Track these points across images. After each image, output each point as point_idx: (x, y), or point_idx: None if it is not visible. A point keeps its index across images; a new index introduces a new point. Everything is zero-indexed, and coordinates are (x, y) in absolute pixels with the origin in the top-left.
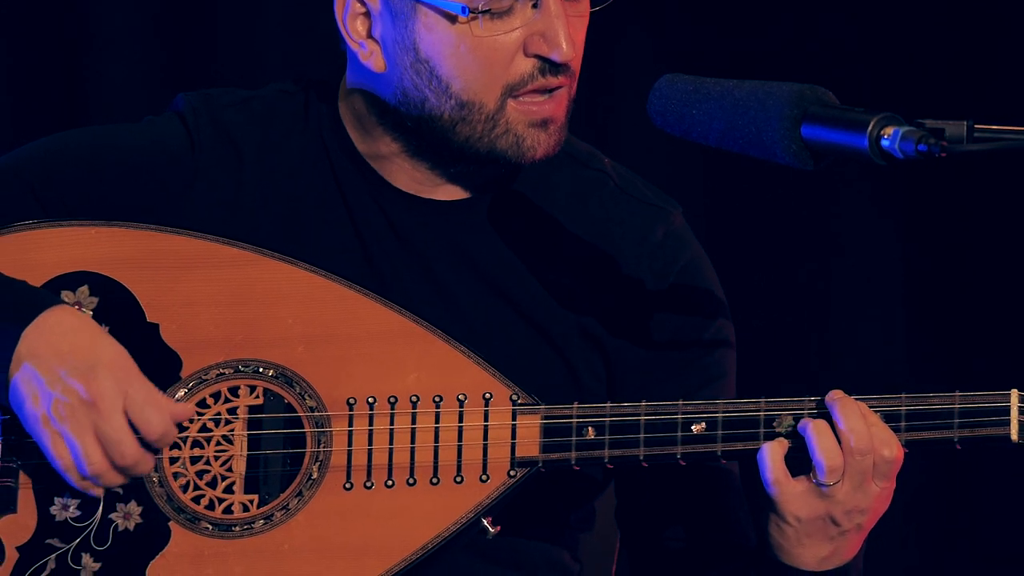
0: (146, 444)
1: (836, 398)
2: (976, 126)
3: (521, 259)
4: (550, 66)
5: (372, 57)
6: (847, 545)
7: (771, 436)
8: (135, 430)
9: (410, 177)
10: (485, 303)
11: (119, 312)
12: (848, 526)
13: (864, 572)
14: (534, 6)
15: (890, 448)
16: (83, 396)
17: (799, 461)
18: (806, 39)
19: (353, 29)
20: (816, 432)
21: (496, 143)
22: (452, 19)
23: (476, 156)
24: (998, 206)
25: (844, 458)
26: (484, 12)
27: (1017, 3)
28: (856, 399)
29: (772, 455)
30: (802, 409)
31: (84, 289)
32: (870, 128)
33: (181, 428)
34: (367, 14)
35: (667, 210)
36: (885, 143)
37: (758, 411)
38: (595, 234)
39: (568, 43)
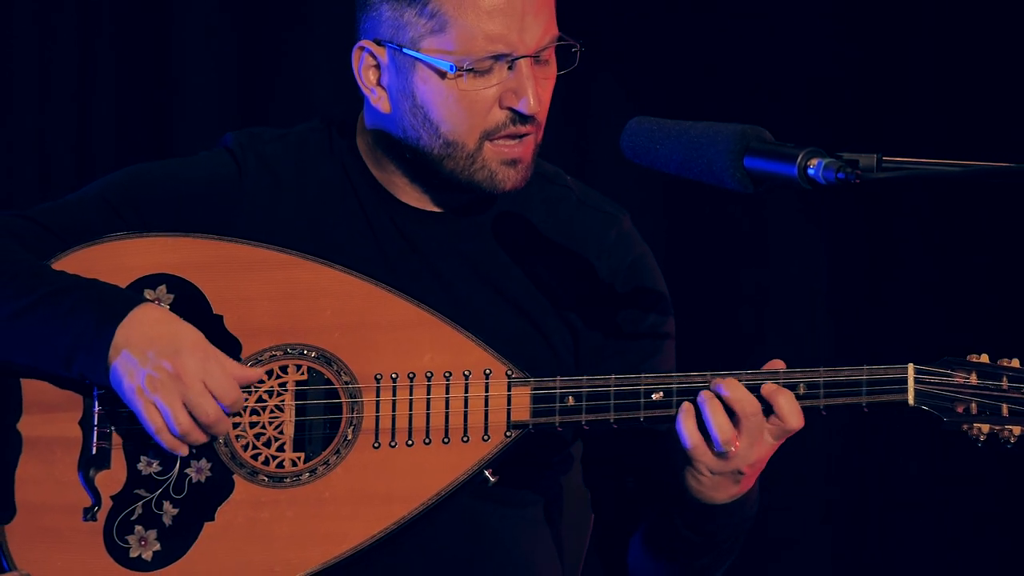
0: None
1: (718, 379)
2: (884, 158)
3: (507, 258)
4: (519, 117)
5: (380, 101)
6: (749, 481)
7: None
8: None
9: (415, 196)
10: (480, 294)
11: (190, 306)
12: (751, 472)
13: (760, 501)
14: (509, 68)
15: (798, 420)
16: (171, 372)
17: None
18: (749, 87)
19: (366, 77)
20: (711, 410)
21: (474, 176)
22: (442, 75)
23: (458, 185)
24: (901, 221)
25: (738, 424)
26: (469, 70)
27: (918, 53)
28: (777, 371)
29: (687, 425)
30: (739, 379)
31: (162, 288)
32: (799, 160)
33: None
34: (377, 66)
35: (618, 216)
36: (811, 172)
37: (706, 382)
38: (563, 237)
39: (535, 100)
